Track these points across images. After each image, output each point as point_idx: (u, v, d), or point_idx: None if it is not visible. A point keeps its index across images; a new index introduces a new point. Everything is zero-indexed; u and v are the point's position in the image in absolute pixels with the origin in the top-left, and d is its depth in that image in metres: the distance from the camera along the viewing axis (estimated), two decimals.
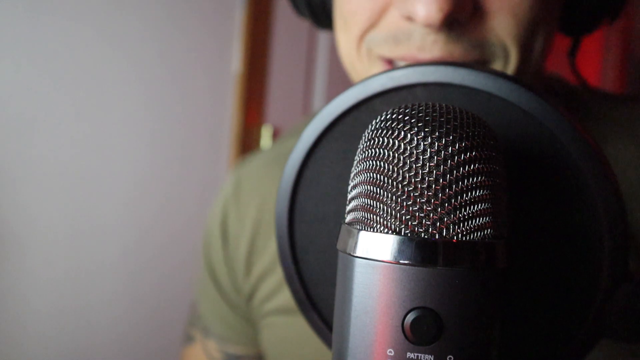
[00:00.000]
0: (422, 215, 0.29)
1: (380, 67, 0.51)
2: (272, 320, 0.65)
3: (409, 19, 0.47)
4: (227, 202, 0.70)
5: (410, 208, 0.30)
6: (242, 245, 0.67)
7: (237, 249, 0.68)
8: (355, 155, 0.33)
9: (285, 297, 0.63)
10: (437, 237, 0.29)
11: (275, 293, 0.64)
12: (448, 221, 0.29)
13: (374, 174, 0.31)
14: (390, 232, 0.30)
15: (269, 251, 0.65)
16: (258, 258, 0.66)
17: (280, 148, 0.70)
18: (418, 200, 0.29)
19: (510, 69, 0.49)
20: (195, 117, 1.65)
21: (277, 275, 0.64)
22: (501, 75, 0.36)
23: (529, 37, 0.49)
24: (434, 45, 0.47)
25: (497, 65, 0.49)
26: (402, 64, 0.49)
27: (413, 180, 0.30)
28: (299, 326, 0.60)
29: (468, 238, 0.30)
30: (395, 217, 0.30)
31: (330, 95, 1.68)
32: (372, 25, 0.50)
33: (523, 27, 0.48)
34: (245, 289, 0.67)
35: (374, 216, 0.30)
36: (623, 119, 0.59)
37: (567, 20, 0.54)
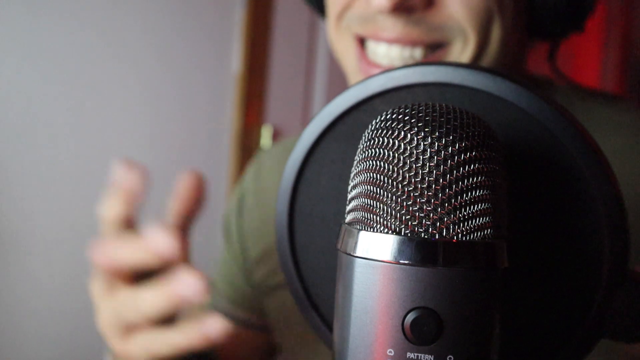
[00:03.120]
0: (422, 215, 0.29)
1: (353, 47, 0.57)
2: (278, 292, 0.68)
3: (367, 2, 0.53)
4: (248, 180, 0.75)
5: (410, 208, 0.30)
6: (255, 217, 0.72)
7: (251, 219, 0.72)
8: (355, 155, 0.33)
9: None
10: (437, 237, 0.29)
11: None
12: (448, 221, 0.29)
13: (374, 174, 0.31)
14: (390, 232, 0.30)
15: None
16: (268, 234, 0.69)
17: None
18: (418, 200, 0.29)
19: (469, 52, 0.54)
20: (195, 118, 1.65)
21: None
22: (501, 75, 0.36)
23: (485, 25, 0.54)
24: (393, 27, 0.53)
25: (457, 48, 0.54)
26: (371, 43, 0.56)
27: (413, 180, 0.30)
28: None
29: (468, 238, 0.30)
30: (395, 217, 0.30)
31: (330, 95, 1.68)
32: (348, 5, 0.56)
33: (478, 15, 0.53)
34: (252, 255, 0.71)
35: (374, 216, 0.30)
36: (608, 114, 0.60)
37: (534, 24, 0.57)
